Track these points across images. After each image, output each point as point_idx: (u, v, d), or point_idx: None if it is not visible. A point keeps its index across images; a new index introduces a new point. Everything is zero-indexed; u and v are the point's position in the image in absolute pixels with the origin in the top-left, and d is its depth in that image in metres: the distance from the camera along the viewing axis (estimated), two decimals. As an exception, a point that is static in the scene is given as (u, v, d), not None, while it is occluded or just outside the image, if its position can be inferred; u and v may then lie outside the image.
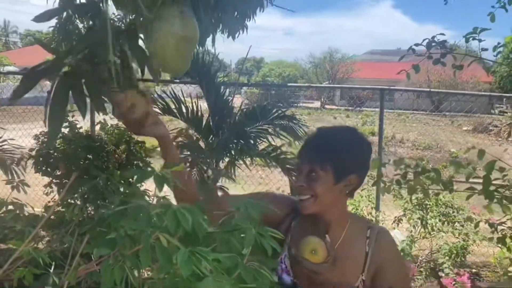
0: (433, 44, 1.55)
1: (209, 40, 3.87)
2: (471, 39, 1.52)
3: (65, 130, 4.14)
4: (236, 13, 3.85)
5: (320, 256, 1.15)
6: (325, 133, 1.34)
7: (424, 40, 1.54)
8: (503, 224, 1.89)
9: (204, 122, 4.05)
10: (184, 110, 4.01)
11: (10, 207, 1.54)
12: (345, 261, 1.20)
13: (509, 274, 1.76)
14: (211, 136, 4.08)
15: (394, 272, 1.23)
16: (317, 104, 27.05)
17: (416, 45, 1.58)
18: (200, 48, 3.84)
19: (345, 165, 1.24)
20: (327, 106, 26.94)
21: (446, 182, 1.38)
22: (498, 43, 1.53)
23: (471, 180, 1.43)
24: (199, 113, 4.09)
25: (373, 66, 30.87)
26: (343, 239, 1.26)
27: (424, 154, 12.78)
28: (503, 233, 1.85)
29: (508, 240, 1.89)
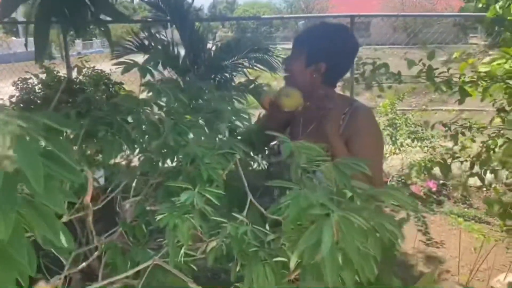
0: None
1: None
2: None
3: (43, 76, 4.17)
4: None
5: (293, 101, 1.34)
6: (314, 26, 1.52)
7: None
8: (455, 123, 2.11)
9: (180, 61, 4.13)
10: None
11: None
12: (323, 133, 1.34)
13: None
14: (189, 72, 4.16)
15: (362, 143, 1.34)
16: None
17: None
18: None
19: (317, 50, 1.39)
20: (303, 46, 26.71)
21: (395, 74, 1.56)
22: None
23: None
24: (175, 51, 4.15)
25: (349, 2, 30.34)
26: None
27: (400, 86, 13.02)
28: (455, 130, 2.07)
29: (460, 136, 2.13)
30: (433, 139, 4.11)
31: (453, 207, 3.99)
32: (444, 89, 1.47)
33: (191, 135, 1.00)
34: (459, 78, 1.48)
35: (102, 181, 2.06)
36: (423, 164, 3.96)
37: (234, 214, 0.76)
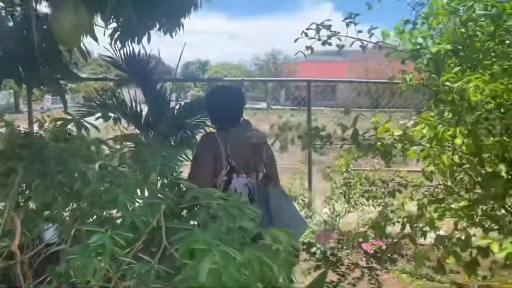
0: (320, 28, 1.87)
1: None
2: (350, 23, 1.87)
3: (2, 130, 4.16)
4: (169, 11, 4.06)
5: None
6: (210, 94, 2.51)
7: (311, 23, 1.86)
8: (393, 181, 2.26)
9: (143, 118, 4.23)
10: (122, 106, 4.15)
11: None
12: None
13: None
14: (151, 130, 4.25)
15: None
16: (263, 105, 27.78)
17: (307, 29, 1.89)
18: (136, 44, 4.03)
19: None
20: (273, 107, 27.70)
21: (326, 136, 1.70)
22: (372, 26, 1.88)
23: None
24: (138, 109, 4.25)
25: (316, 66, 31.84)
26: None
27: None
28: (393, 187, 2.21)
29: (399, 195, 2.26)
30: (386, 198, 4.26)
31: (406, 265, 4.08)
32: (368, 151, 1.61)
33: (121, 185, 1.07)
34: (379, 141, 1.63)
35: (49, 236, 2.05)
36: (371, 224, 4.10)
37: (140, 255, 0.83)
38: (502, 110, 1.76)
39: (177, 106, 4.47)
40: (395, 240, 4.33)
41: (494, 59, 1.68)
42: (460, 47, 1.70)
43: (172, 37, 4.18)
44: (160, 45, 4.26)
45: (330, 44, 1.90)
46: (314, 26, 1.90)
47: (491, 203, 1.70)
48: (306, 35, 1.92)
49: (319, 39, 1.92)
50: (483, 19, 1.51)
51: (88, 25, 1.79)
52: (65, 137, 4.41)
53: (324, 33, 1.92)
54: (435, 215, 1.67)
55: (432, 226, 1.70)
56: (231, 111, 2.46)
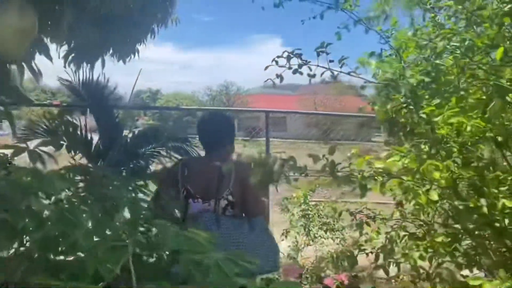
0: (291, 56, 1.82)
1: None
2: (320, 53, 1.83)
3: None
4: (125, 36, 3.90)
5: None
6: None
7: (284, 52, 1.81)
8: (361, 212, 2.21)
9: (93, 146, 3.99)
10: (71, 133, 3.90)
11: None
12: None
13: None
14: (100, 159, 4.01)
15: None
16: (215, 135, 27.70)
17: (278, 57, 1.84)
18: (89, 69, 3.84)
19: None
20: (225, 137, 27.75)
21: (300, 168, 1.62)
22: (342, 56, 1.85)
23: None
24: (88, 137, 4.01)
25: (267, 98, 32.35)
26: None
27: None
28: (361, 220, 2.15)
29: (366, 226, 2.20)
30: (343, 231, 4.23)
31: (366, 300, 4.01)
32: (345, 184, 1.55)
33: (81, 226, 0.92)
34: (359, 173, 1.57)
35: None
36: (334, 256, 4.04)
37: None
38: (469, 144, 1.76)
39: (130, 135, 4.28)
40: (353, 274, 4.29)
41: (464, 93, 1.68)
42: (431, 80, 1.70)
43: (125, 63, 4.04)
44: (109, 72, 4.09)
45: (301, 73, 1.85)
46: (285, 54, 1.85)
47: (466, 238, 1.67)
48: (277, 63, 1.86)
49: (290, 68, 1.86)
50: (458, 52, 1.52)
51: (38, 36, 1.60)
52: (5, 167, 4.07)
53: (294, 61, 1.87)
54: (417, 254, 1.61)
55: (412, 261, 1.64)
56: (217, 138, 2.57)
